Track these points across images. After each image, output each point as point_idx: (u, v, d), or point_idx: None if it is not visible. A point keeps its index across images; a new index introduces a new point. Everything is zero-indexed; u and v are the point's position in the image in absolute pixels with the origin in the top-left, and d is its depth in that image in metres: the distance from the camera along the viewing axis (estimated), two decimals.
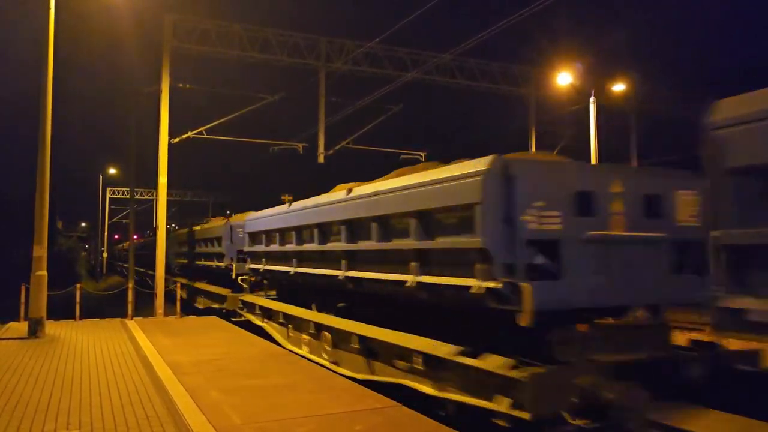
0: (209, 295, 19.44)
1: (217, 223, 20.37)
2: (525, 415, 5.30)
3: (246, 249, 14.30)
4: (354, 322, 8.76)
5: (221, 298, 17.29)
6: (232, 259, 17.48)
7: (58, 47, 12.36)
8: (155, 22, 18.52)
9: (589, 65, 23.63)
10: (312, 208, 9.97)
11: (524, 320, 5.36)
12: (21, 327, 12.30)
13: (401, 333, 7.52)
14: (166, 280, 18.65)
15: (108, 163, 53.81)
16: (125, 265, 44.32)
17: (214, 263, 19.39)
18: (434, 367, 6.61)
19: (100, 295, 24.98)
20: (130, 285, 15.88)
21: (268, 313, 12.80)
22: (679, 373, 5.87)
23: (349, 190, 8.67)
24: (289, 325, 11.41)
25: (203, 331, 12.42)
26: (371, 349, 8.10)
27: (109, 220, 62.68)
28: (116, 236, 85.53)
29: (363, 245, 8.28)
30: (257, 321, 13.40)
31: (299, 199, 11.77)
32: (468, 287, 5.85)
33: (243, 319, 14.53)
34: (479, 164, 5.76)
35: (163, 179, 17.73)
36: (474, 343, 6.30)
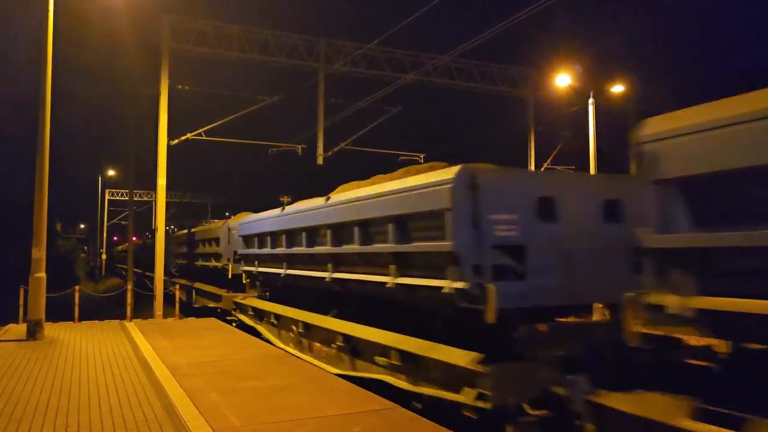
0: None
1: (433, 175, 6.87)
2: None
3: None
4: None
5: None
6: (479, 269, 6.05)
7: (57, 49, 12.36)
8: (153, 23, 18.55)
9: (587, 66, 23.66)
10: None
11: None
12: (20, 329, 12.28)
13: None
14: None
15: (107, 164, 53.99)
16: (124, 266, 44.26)
17: (422, 279, 6.90)
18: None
19: (99, 297, 24.98)
20: (129, 287, 15.87)
21: None
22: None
23: None
24: None
25: (202, 333, 12.40)
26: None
27: (108, 222, 62.69)
28: (115, 238, 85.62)
29: None
30: None
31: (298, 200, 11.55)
32: None
33: None
34: None
35: (162, 181, 17.73)
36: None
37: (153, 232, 27.73)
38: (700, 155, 4.03)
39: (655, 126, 4.42)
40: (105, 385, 7.41)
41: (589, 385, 5.42)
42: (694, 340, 6.61)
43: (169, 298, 17.73)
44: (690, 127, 4.10)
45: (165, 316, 16.45)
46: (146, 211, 58.20)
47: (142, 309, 20.48)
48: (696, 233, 4.08)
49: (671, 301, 4.17)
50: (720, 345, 5.75)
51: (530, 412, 5.82)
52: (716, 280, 3.96)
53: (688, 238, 4.12)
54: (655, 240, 4.29)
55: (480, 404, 5.90)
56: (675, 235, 4.18)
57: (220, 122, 20.66)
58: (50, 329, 12.50)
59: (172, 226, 46.91)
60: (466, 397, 6.10)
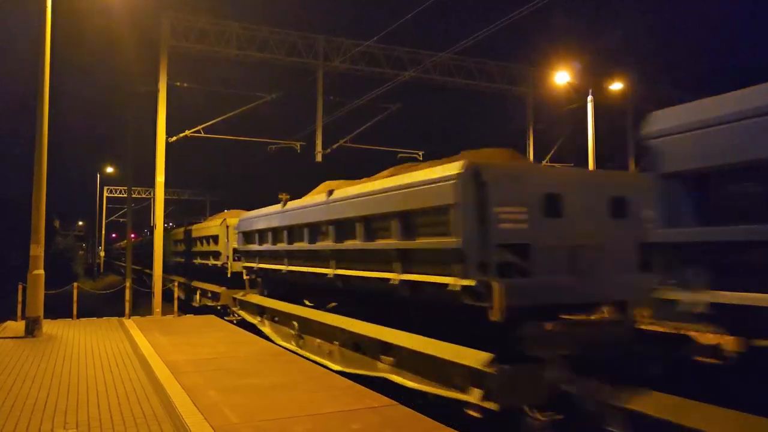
0: None
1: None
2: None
3: None
4: None
5: None
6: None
7: (56, 47, 12.32)
8: (152, 21, 18.51)
9: (586, 64, 23.66)
10: None
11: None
12: (18, 326, 12.27)
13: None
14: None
15: (105, 162, 53.80)
16: (122, 263, 44.21)
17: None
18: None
19: (97, 294, 24.96)
20: (128, 284, 15.85)
21: None
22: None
23: None
24: None
25: (201, 330, 12.39)
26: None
27: (106, 219, 62.63)
28: (114, 235, 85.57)
29: None
30: None
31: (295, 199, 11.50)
32: None
33: None
34: None
35: (160, 178, 17.70)
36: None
37: (151, 229, 27.65)
38: (704, 150, 3.98)
39: (660, 121, 4.34)
40: (104, 383, 7.41)
41: (601, 386, 5.28)
42: (704, 338, 6.39)
43: (167, 296, 17.71)
44: (694, 123, 4.07)
45: (163, 313, 16.44)
46: (145, 208, 58.16)
47: (141, 306, 20.47)
48: (701, 228, 3.98)
49: (683, 297, 4.06)
50: (731, 342, 5.51)
51: (539, 416, 5.63)
52: (726, 275, 3.85)
53: (693, 232, 4.02)
54: (662, 235, 4.21)
55: (487, 405, 5.76)
56: (680, 230, 4.11)
57: (218, 119, 20.64)
58: (49, 326, 12.49)
59: (171, 224, 46.88)
60: (472, 396, 5.95)
